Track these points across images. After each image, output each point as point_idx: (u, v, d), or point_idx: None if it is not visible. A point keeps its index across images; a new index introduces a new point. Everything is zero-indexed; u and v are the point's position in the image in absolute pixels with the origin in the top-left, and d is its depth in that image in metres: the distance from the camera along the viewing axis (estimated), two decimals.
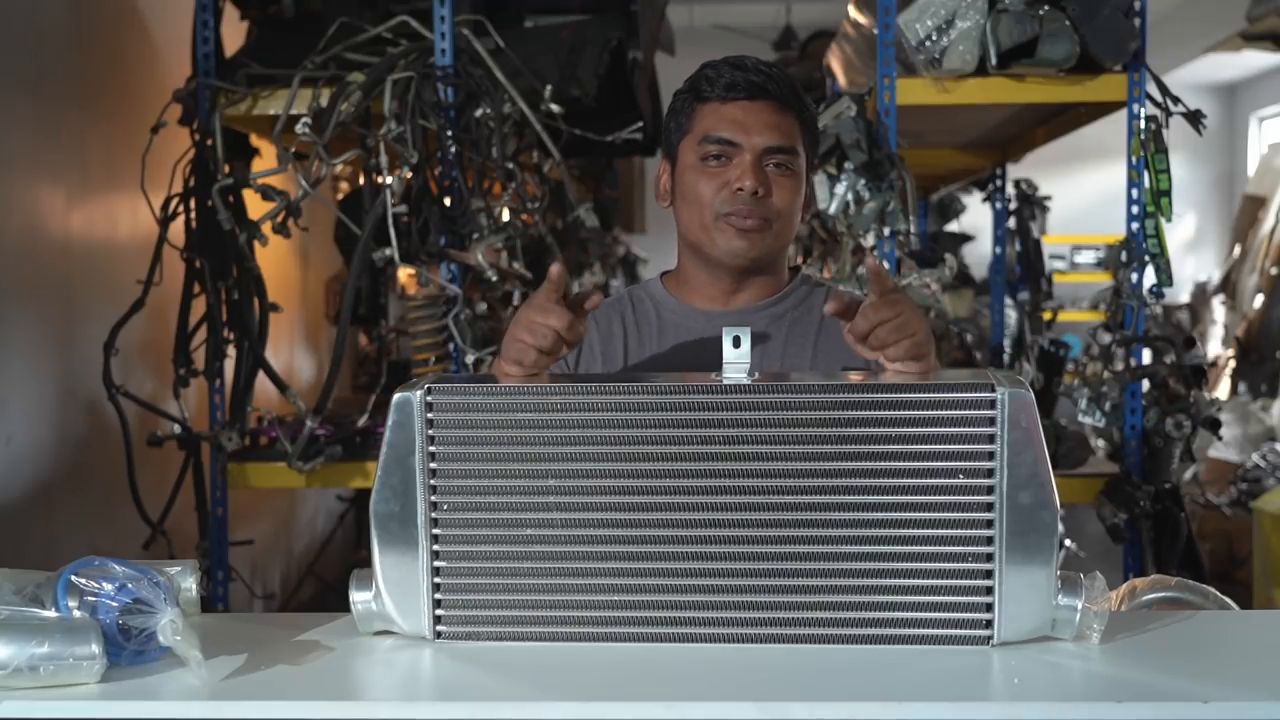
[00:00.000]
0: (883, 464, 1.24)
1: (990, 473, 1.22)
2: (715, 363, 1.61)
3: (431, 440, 1.27)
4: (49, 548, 2.90)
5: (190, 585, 1.33)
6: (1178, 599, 1.51)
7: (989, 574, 1.23)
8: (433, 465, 1.27)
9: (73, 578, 1.19)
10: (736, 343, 1.29)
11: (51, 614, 1.18)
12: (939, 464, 1.24)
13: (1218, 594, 1.52)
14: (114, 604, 1.17)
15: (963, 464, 1.23)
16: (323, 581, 4.71)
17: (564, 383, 1.36)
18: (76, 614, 1.18)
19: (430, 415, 1.27)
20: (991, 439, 1.22)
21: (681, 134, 1.69)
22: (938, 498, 1.24)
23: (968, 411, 1.23)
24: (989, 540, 1.22)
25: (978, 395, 1.23)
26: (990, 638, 1.23)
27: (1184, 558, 2.92)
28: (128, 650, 1.18)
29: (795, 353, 1.69)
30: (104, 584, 1.18)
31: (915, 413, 1.24)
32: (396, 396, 1.27)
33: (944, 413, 1.23)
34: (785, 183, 1.65)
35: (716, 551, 1.26)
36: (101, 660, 1.15)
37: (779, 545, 1.25)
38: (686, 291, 1.75)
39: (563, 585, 1.28)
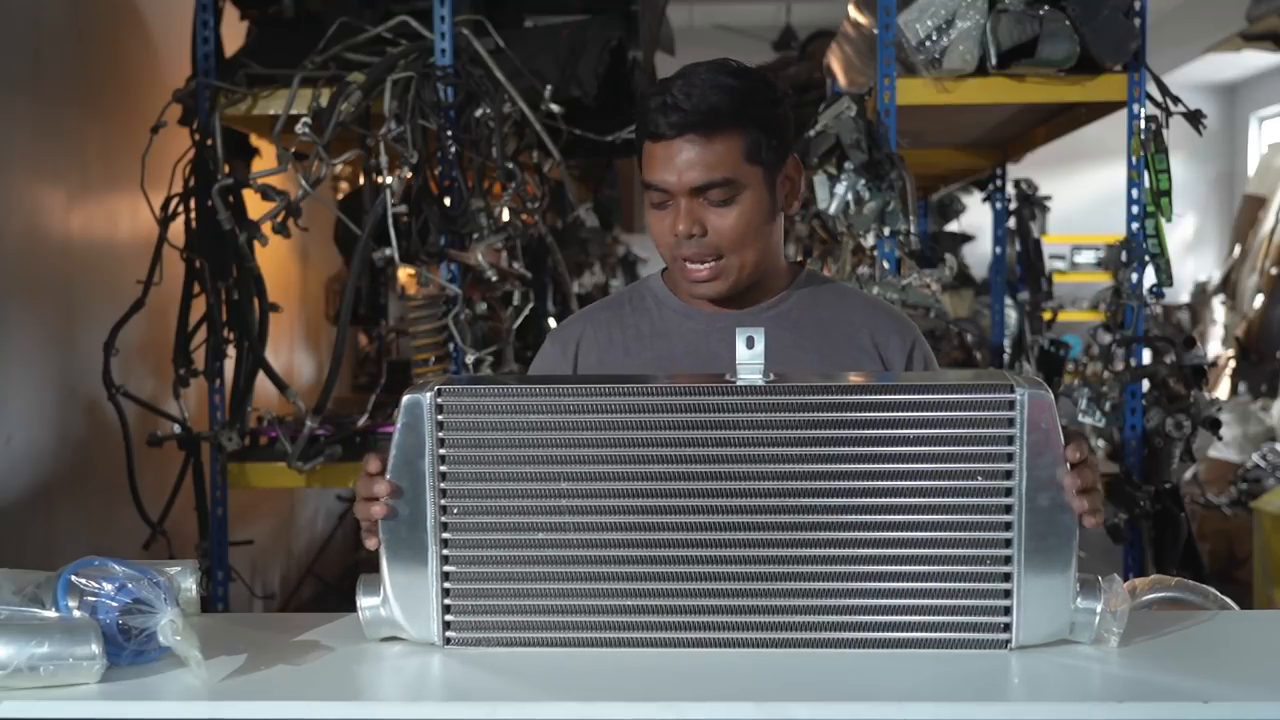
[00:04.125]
0: (901, 465, 1.23)
1: (1009, 475, 1.21)
2: (716, 361, 1.58)
3: (441, 443, 1.25)
4: (49, 548, 2.89)
5: (190, 585, 1.33)
6: (1178, 599, 1.51)
7: (1007, 577, 1.22)
8: (442, 469, 1.26)
9: (73, 578, 1.19)
10: (750, 343, 1.27)
11: (51, 614, 1.18)
12: (958, 466, 1.23)
13: (1218, 594, 1.52)
14: (114, 604, 1.17)
15: (981, 466, 1.22)
16: (323, 581, 4.71)
17: (574, 384, 1.34)
18: (76, 614, 1.18)
19: (440, 418, 1.25)
20: (1011, 440, 1.21)
21: (640, 172, 1.67)
22: (956, 500, 1.23)
23: (987, 413, 1.22)
24: (1007, 543, 1.22)
25: (997, 396, 1.22)
26: (1009, 641, 1.23)
27: (1184, 558, 2.91)
28: (128, 650, 1.18)
29: (801, 355, 1.66)
30: (104, 584, 1.18)
31: (934, 414, 1.23)
32: (406, 398, 1.25)
33: (963, 414, 1.22)
34: (725, 212, 1.59)
35: (732, 555, 1.24)
36: (101, 660, 1.14)
37: (795, 548, 1.24)
38: (685, 292, 1.73)
39: (576, 590, 1.26)
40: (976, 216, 5.64)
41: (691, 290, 1.65)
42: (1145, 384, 3.03)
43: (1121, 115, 3.00)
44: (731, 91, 1.58)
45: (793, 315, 1.69)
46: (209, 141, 2.93)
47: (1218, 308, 7.72)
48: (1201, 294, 8.17)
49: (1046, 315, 5.18)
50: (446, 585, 1.27)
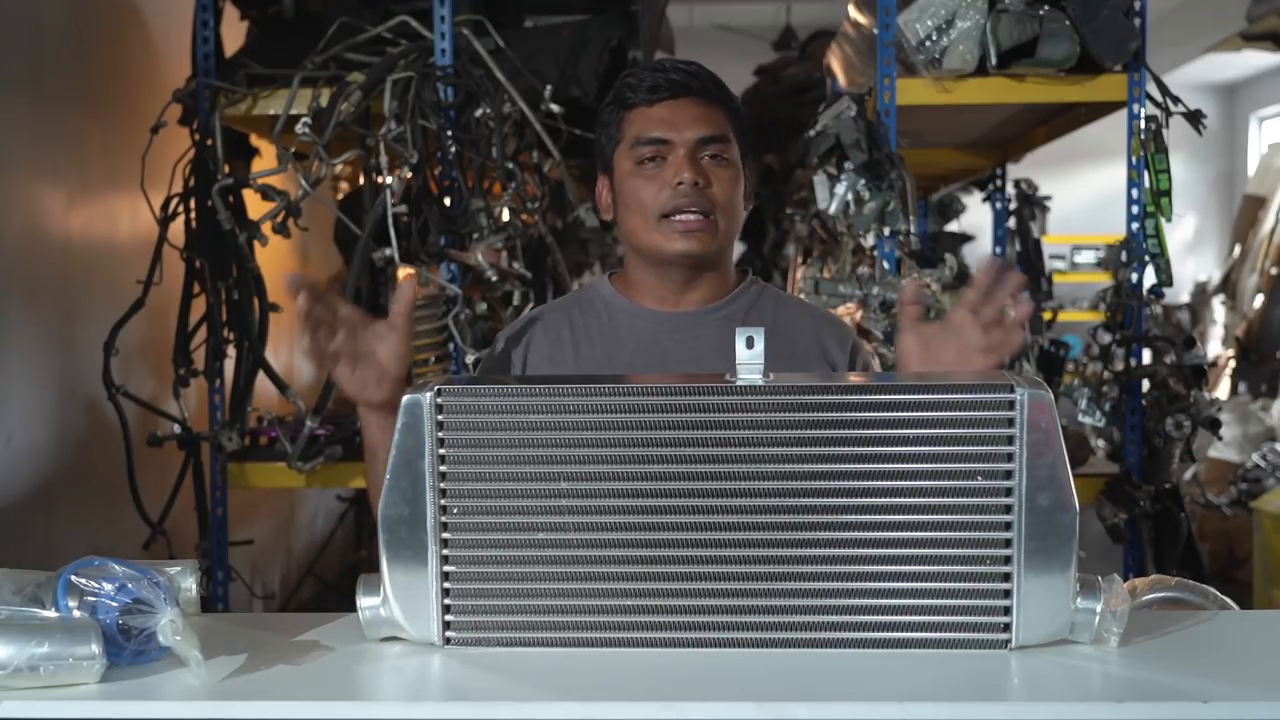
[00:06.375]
0: (900, 465, 1.23)
1: (1009, 475, 1.21)
2: (666, 358, 1.63)
3: (441, 443, 1.25)
4: (49, 548, 2.89)
5: (190, 585, 1.33)
6: (1178, 599, 1.51)
7: (1007, 577, 1.22)
8: (442, 469, 1.25)
9: (73, 578, 1.19)
10: (750, 343, 1.26)
11: (51, 614, 1.18)
12: (957, 465, 1.22)
13: (1218, 594, 1.52)
14: (114, 604, 1.17)
15: (981, 466, 1.22)
16: (323, 581, 4.71)
17: (574, 384, 1.34)
18: (76, 614, 1.17)
19: (440, 418, 1.25)
20: (1010, 440, 1.21)
21: (614, 144, 1.71)
22: (956, 500, 1.22)
23: (987, 413, 1.22)
24: (1007, 543, 1.21)
25: (997, 396, 1.21)
26: (1008, 641, 1.23)
27: (1184, 558, 2.92)
28: (128, 650, 1.18)
29: None
30: (104, 584, 1.18)
31: (934, 414, 1.22)
32: (405, 398, 1.25)
33: (963, 414, 1.22)
34: (722, 173, 1.67)
35: (732, 555, 1.24)
36: (101, 660, 1.14)
37: (795, 548, 1.23)
38: (635, 293, 1.76)
39: (576, 590, 1.26)
40: (976, 216, 5.64)
41: (673, 247, 1.67)
42: (1145, 384, 3.03)
43: (1121, 115, 3.00)
44: (719, 78, 1.73)
45: (739, 317, 1.73)
46: (209, 141, 2.93)
47: (1218, 308, 7.72)
48: (1201, 294, 8.16)
49: (1046, 315, 5.16)
50: (446, 585, 1.26)
